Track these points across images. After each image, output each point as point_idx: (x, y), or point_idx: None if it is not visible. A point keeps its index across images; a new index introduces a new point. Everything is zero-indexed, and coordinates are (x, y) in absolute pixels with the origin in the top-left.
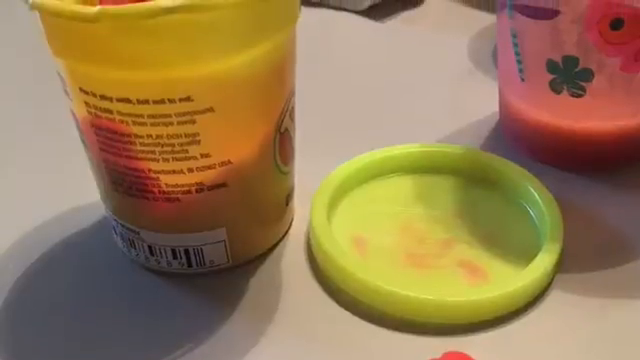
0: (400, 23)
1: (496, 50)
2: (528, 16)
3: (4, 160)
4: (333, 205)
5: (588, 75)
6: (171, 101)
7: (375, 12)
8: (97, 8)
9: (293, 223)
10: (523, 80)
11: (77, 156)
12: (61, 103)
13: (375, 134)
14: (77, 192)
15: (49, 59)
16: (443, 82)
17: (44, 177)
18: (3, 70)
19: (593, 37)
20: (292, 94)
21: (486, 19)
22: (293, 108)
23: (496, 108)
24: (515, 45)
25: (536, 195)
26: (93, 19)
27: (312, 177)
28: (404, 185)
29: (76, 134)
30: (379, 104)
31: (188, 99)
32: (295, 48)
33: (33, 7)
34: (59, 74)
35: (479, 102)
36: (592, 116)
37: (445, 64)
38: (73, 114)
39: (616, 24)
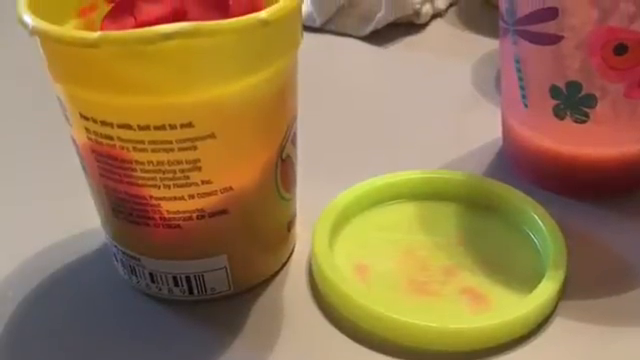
0: (402, 49)
1: (499, 76)
2: (531, 42)
3: (4, 186)
4: (335, 232)
5: (592, 101)
6: (172, 127)
7: (377, 37)
8: (97, 34)
9: (295, 249)
10: (526, 106)
11: (77, 182)
12: (60, 127)
13: (377, 160)
14: (77, 218)
15: (49, 84)
16: (446, 108)
17: (44, 203)
18: (2, 95)
19: (596, 63)
20: (294, 120)
21: (489, 44)
22: (295, 134)
23: (499, 134)
24: (518, 71)
25: (539, 222)
26: (93, 44)
27: (314, 203)
28: (406, 212)
29: (76, 160)
30: (381, 130)
31: (189, 125)
32: (297, 73)
33: (33, 32)
34: (59, 99)
35: (482, 128)
36: (595, 142)
37: (448, 90)
38: (73, 140)
39: (620, 50)
